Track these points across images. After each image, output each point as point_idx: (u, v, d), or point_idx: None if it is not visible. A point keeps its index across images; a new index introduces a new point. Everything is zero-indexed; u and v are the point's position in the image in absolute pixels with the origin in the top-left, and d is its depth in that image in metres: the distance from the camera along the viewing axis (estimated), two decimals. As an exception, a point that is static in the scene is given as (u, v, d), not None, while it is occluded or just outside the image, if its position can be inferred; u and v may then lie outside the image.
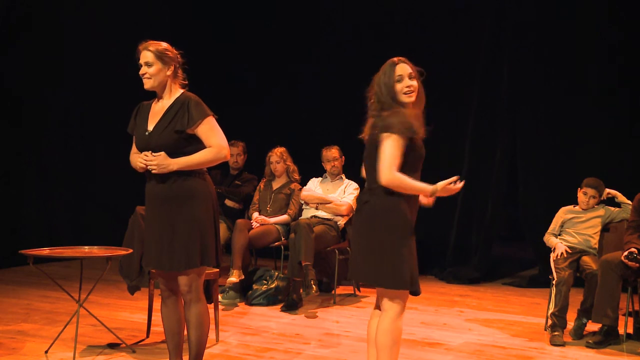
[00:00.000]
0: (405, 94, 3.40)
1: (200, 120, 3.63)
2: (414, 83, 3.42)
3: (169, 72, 3.71)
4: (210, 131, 3.65)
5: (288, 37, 8.66)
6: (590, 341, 4.94)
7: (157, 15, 8.69)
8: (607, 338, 4.94)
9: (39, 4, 7.74)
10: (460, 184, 3.36)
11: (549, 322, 5.11)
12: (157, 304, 4.37)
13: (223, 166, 6.78)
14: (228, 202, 6.83)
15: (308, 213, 6.36)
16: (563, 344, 4.93)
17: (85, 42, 8.13)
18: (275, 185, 6.65)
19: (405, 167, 3.33)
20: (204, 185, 3.71)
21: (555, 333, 5.00)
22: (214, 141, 3.65)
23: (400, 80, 3.40)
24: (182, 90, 3.77)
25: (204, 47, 8.68)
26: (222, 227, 6.55)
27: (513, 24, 7.45)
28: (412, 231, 3.40)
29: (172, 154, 3.62)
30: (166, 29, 8.32)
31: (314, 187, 6.45)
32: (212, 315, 4.86)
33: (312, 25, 8.59)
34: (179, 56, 3.77)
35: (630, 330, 5.13)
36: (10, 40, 7.50)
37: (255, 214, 6.47)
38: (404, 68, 3.42)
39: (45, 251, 4.47)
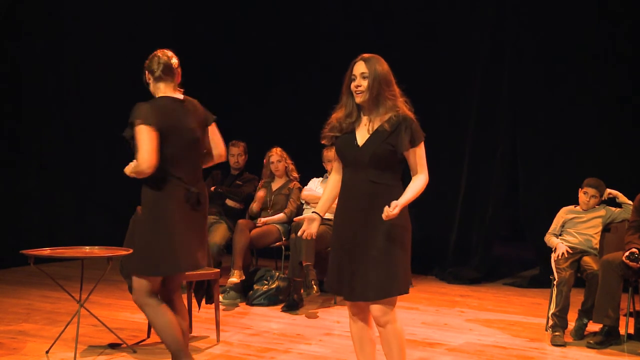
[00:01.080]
0: (356, 93, 3.42)
1: (134, 127, 3.62)
2: (363, 83, 3.39)
3: (148, 80, 3.80)
4: (138, 141, 3.61)
5: (289, 37, 8.66)
6: (591, 341, 4.93)
7: (158, 16, 8.69)
8: (608, 338, 4.94)
9: (39, 3, 7.74)
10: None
11: (550, 322, 5.11)
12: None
13: (224, 166, 6.79)
14: (229, 202, 6.82)
15: (309, 213, 6.34)
16: (564, 344, 4.92)
17: (85, 41, 8.13)
18: (275, 186, 6.65)
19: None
20: (155, 194, 3.69)
21: (556, 333, 5.00)
22: (137, 154, 3.61)
23: (353, 79, 3.43)
24: (159, 94, 3.79)
25: (205, 48, 8.69)
26: (223, 228, 6.56)
27: (514, 24, 7.45)
28: (336, 233, 3.52)
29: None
30: (167, 30, 8.35)
31: (315, 187, 6.45)
32: (213, 315, 4.88)
33: (312, 26, 8.58)
34: (150, 59, 3.80)
35: (631, 331, 5.13)
36: (10, 39, 7.50)
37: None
38: (358, 67, 3.43)
39: (46, 251, 4.47)
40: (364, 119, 3.45)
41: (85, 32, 8.13)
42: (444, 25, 7.82)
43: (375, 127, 3.39)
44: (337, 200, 3.57)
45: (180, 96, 3.82)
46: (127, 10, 8.33)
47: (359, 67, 3.41)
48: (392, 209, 3.22)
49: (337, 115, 3.50)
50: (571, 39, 7.23)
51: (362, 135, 3.42)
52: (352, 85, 3.42)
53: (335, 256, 3.50)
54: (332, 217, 6.10)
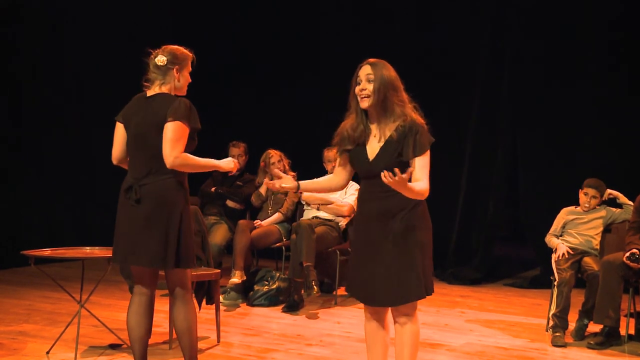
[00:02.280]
0: (361, 97, 3.32)
1: None
2: (368, 86, 3.28)
3: None
4: None
5: (289, 37, 8.66)
6: (591, 342, 4.93)
7: (158, 16, 8.68)
8: (609, 339, 4.94)
9: (39, 3, 7.73)
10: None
11: (551, 322, 5.11)
12: (157, 304, 4.36)
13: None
14: (229, 203, 6.82)
15: (309, 214, 6.35)
16: (564, 345, 4.92)
17: (85, 41, 8.13)
18: (275, 186, 6.66)
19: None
20: None
21: (557, 334, 5.00)
22: None
23: (359, 82, 3.32)
24: None
25: (205, 48, 8.66)
26: (224, 228, 6.56)
27: (514, 24, 7.44)
28: (355, 238, 3.51)
29: None
30: (167, 30, 8.34)
31: (315, 187, 6.44)
32: (213, 316, 4.88)
33: (312, 26, 8.58)
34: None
35: (631, 331, 5.13)
36: (10, 40, 7.49)
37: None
38: (363, 70, 3.31)
39: (47, 252, 4.48)
40: (373, 128, 3.35)
41: (85, 32, 8.12)
42: (444, 25, 7.82)
43: (385, 138, 3.30)
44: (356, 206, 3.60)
45: (152, 92, 3.76)
46: (127, 10, 8.32)
47: (365, 70, 3.30)
48: (397, 175, 3.02)
49: (348, 123, 3.41)
50: (571, 39, 7.22)
51: (372, 149, 3.33)
52: (357, 88, 3.31)
53: (353, 261, 3.48)
54: (332, 218, 6.22)
